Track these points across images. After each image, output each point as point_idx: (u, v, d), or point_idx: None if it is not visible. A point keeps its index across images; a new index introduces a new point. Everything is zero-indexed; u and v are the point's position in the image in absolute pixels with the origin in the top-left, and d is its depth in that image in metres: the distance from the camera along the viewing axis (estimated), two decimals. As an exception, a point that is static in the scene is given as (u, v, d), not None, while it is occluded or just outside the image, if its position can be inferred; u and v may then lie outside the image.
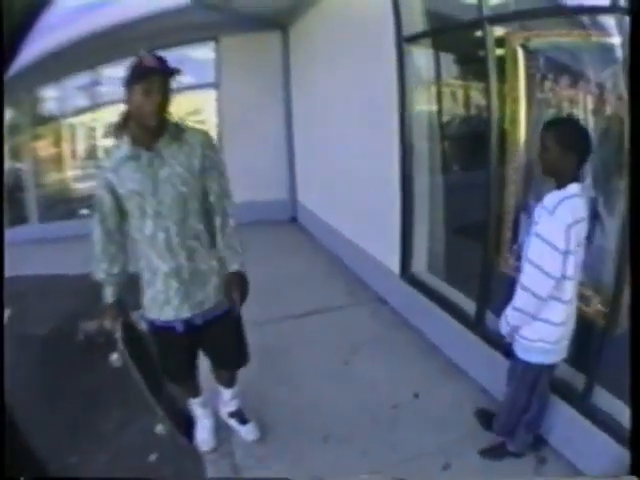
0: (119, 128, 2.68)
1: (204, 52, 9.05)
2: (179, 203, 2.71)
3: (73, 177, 10.15)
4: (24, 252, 7.70)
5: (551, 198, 2.56)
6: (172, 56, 7.73)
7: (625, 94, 2.70)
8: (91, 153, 10.09)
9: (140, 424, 3.57)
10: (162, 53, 7.38)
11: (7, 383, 1.52)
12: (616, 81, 2.83)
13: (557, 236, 2.48)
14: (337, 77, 6.38)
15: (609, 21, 2.73)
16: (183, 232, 2.75)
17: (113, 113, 9.47)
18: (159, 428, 3.08)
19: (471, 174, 5.32)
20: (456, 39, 4.93)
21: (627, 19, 2.47)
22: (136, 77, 2.48)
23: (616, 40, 2.66)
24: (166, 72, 2.55)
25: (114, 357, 2.86)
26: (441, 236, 5.15)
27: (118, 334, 2.86)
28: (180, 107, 9.45)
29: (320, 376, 4.24)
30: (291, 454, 3.39)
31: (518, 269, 2.97)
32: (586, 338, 3.13)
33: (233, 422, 3.60)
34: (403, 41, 4.65)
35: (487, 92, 3.73)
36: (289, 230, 8.79)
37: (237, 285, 2.79)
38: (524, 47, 3.45)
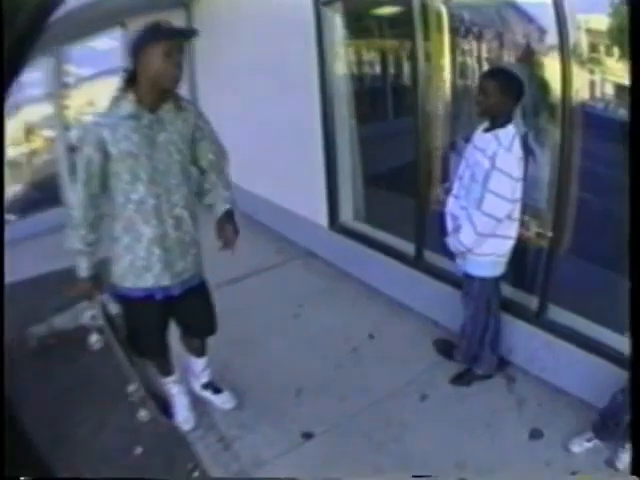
0: (124, 87, 2.67)
1: (105, 41, 8.90)
2: (172, 170, 2.76)
3: None
4: None
5: (505, 137, 3.05)
6: (73, 51, 7.61)
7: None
8: (10, 159, 9.87)
9: (116, 421, 3.55)
10: (70, 47, 7.26)
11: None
12: (542, 33, 3.32)
13: (514, 167, 3.03)
14: (247, 45, 6.51)
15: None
16: (173, 199, 2.79)
17: (29, 116, 9.34)
18: (142, 414, 3.10)
19: (387, 126, 5.73)
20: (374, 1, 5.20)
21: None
22: (155, 38, 2.53)
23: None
24: (186, 33, 2.69)
25: (94, 338, 2.93)
26: (362, 185, 5.53)
27: (96, 312, 2.90)
28: (79, 100, 9.36)
29: (274, 333, 4.43)
30: (271, 414, 3.54)
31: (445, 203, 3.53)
32: (531, 260, 3.65)
33: (208, 393, 3.67)
34: (320, 4, 4.93)
35: (413, 48, 4.07)
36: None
37: (231, 223, 2.91)
38: (447, 5, 3.84)
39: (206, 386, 3.67)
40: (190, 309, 3.14)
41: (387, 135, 5.51)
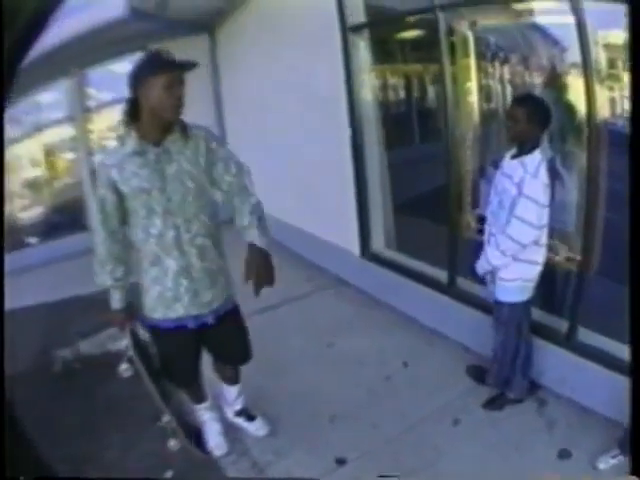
0: (126, 123, 2.69)
1: (126, 65, 9.10)
2: (188, 200, 2.75)
3: (17, 207, 10.01)
4: None
5: (531, 164, 3.14)
6: (96, 74, 7.78)
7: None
8: (29, 181, 10.01)
9: (145, 446, 3.59)
10: (90, 70, 7.43)
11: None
12: (565, 55, 3.41)
13: (540, 193, 3.12)
14: (273, 71, 6.65)
15: (559, 4, 3.25)
16: (193, 229, 2.79)
17: (49, 138, 9.51)
18: (172, 444, 3.12)
19: (418, 150, 5.81)
20: (401, 27, 5.36)
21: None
22: (155, 70, 2.53)
23: (567, 20, 3.17)
24: (186, 66, 2.62)
25: (123, 367, 2.96)
26: (394, 212, 5.60)
27: (127, 342, 2.94)
28: (101, 124, 9.53)
29: (308, 361, 4.46)
30: (305, 440, 3.56)
31: (480, 231, 3.65)
32: (561, 283, 3.70)
33: (241, 420, 3.68)
34: (348, 30, 5.05)
35: (441, 73, 4.16)
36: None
37: (260, 266, 2.67)
38: (473, 31, 3.95)
39: (239, 413, 3.68)
40: (223, 336, 3.13)
41: (414, 160, 5.60)
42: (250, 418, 3.69)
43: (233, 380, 3.55)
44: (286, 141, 6.67)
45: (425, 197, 5.11)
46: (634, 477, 1.76)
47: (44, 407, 4.27)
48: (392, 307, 5.20)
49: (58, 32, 7.39)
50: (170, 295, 2.87)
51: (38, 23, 1.33)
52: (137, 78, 2.59)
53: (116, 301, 2.93)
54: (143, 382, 2.97)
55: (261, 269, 2.67)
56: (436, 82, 4.33)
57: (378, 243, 5.61)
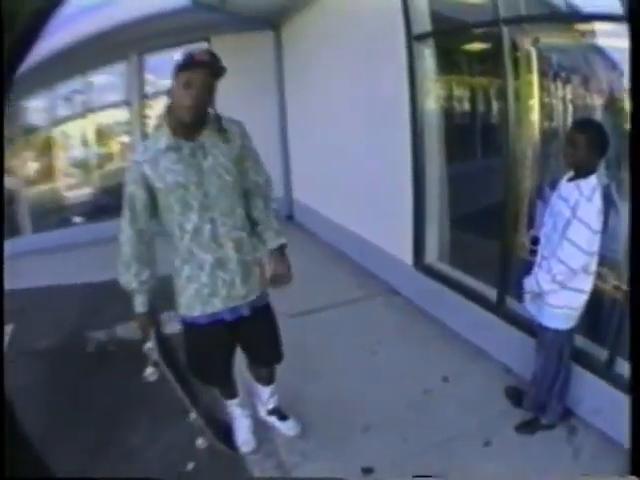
0: (162, 118, 2.77)
1: None
2: (225, 193, 2.81)
3: (63, 186, 10.29)
4: (19, 264, 7.82)
5: (586, 187, 3.13)
6: (159, 59, 8.01)
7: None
8: (81, 161, 10.27)
9: (171, 436, 3.72)
10: (151, 56, 7.68)
11: (18, 398, 1.53)
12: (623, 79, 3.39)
13: (594, 219, 3.10)
14: (339, 75, 6.74)
15: (619, 27, 3.22)
16: (229, 222, 2.85)
17: (101, 119, 9.73)
18: (200, 442, 3.25)
19: (478, 165, 5.79)
20: (466, 39, 5.38)
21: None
22: (180, 68, 2.58)
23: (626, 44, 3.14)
24: (210, 67, 2.60)
25: (149, 371, 3.03)
26: (449, 225, 5.59)
27: (152, 345, 3.02)
28: (158, 110, 9.72)
29: (349, 367, 4.51)
30: (334, 446, 3.59)
31: (534, 252, 3.61)
32: (605, 312, 3.66)
33: (273, 419, 3.73)
34: (413, 39, 5.09)
35: (503, 88, 4.17)
36: (287, 228, 8.93)
37: (285, 259, 3.07)
38: (535, 47, 3.95)
39: (272, 412, 3.72)
40: (256, 332, 3.19)
41: (475, 174, 5.59)
42: (282, 417, 3.73)
43: (267, 380, 3.60)
44: (348, 146, 6.75)
45: (483, 212, 5.09)
46: (634, 477, 1.77)
47: (72, 385, 4.57)
48: (439, 320, 5.22)
49: (115, 14, 7.56)
50: (207, 291, 2.92)
51: (38, 23, 1.36)
52: (172, 73, 2.65)
53: (139, 305, 3.00)
54: (170, 384, 3.11)
55: (278, 269, 3.04)
56: (499, 97, 4.30)
57: (432, 255, 5.61)
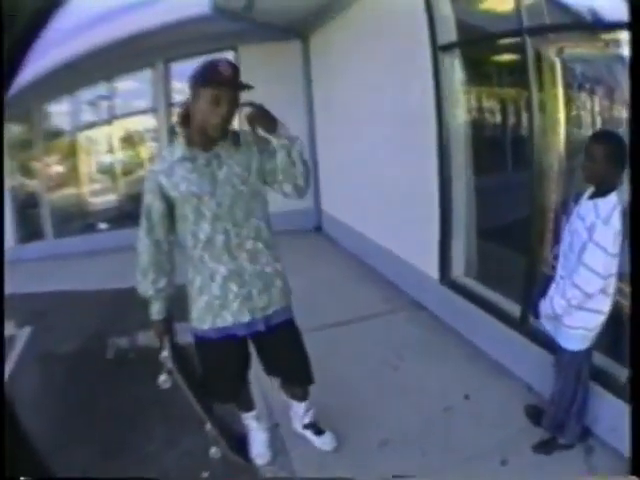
0: (178, 127, 2.77)
1: None
2: (239, 203, 2.79)
3: (88, 191, 10.45)
4: (40, 268, 7.97)
5: (604, 208, 3.03)
6: (185, 67, 8.09)
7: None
8: (106, 167, 10.37)
9: (186, 444, 3.74)
10: (179, 63, 7.76)
11: (30, 397, 1.63)
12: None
13: (610, 242, 3.00)
14: (366, 86, 6.74)
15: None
16: (243, 233, 2.82)
17: (127, 126, 9.83)
18: (213, 451, 3.22)
19: (504, 178, 5.74)
20: (491, 49, 5.33)
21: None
22: (207, 82, 2.55)
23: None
24: (238, 85, 2.62)
25: (162, 378, 3.01)
26: (476, 240, 5.54)
27: (167, 353, 2.99)
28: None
29: (370, 381, 4.49)
30: (350, 460, 3.58)
31: (555, 268, 3.52)
32: (627, 330, 3.57)
33: (308, 433, 3.70)
34: (438, 49, 5.07)
35: (528, 99, 4.13)
36: (315, 239, 9.12)
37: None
38: (560, 58, 3.89)
39: (308, 426, 3.71)
40: (278, 349, 3.12)
41: (504, 187, 5.52)
42: (318, 432, 3.71)
43: (300, 397, 3.57)
44: (375, 157, 6.73)
45: (510, 226, 5.03)
46: (634, 477, 1.78)
47: (88, 391, 4.61)
48: (464, 337, 5.16)
49: (138, 21, 7.61)
50: (218, 303, 2.89)
51: (38, 23, 1.36)
52: (191, 84, 2.63)
53: (156, 312, 3.00)
54: (183, 394, 3.08)
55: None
56: (525, 108, 4.25)
57: (458, 270, 5.55)
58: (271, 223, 2.99)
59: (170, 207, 2.80)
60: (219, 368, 3.10)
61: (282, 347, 3.13)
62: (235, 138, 2.81)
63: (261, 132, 2.80)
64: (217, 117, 2.59)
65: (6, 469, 1.34)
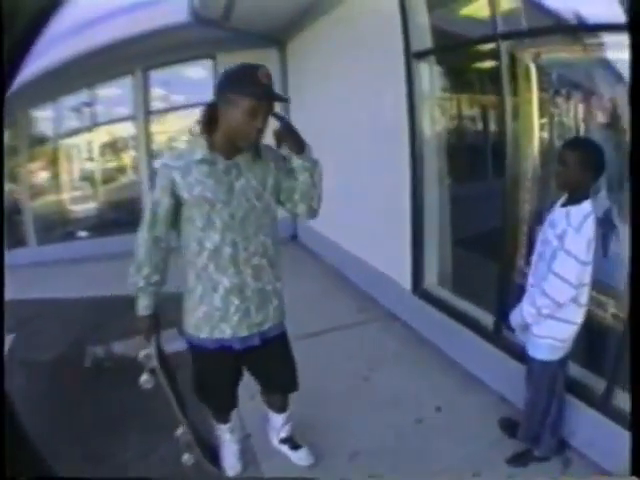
0: (200, 129, 2.67)
1: (197, 70, 9.33)
2: (251, 217, 2.71)
3: (70, 199, 10.34)
4: (23, 275, 7.86)
5: (576, 216, 2.93)
6: (165, 75, 8.08)
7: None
8: (87, 174, 10.31)
9: (163, 453, 3.64)
10: (157, 71, 7.72)
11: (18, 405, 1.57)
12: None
13: (582, 250, 2.90)
14: (342, 94, 6.67)
15: (624, 38, 3.05)
16: (251, 248, 2.75)
17: (109, 132, 9.81)
18: (186, 458, 3.13)
19: (477, 187, 5.68)
20: (466, 55, 5.26)
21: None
22: (244, 90, 2.45)
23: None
24: (277, 99, 2.59)
25: (144, 378, 2.89)
26: (449, 250, 5.46)
27: (152, 351, 2.88)
28: (171, 126, 9.74)
29: (341, 393, 4.39)
30: (321, 472, 3.50)
31: (526, 275, 3.44)
32: (604, 342, 3.48)
33: (285, 448, 3.62)
34: (413, 56, 4.98)
35: (501, 106, 4.05)
36: (291, 248, 8.91)
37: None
38: (536, 63, 3.80)
39: (284, 441, 3.62)
40: (269, 361, 3.09)
41: (479, 196, 5.46)
42: (294, 447, 3.62)
43: (280, 408, 3.50)
44: (349, 167, 6.61)
45: (484, 236, 4.96)
46: (634, 477, 1.72)
47: (66, 399, 4.54)
48: (437, 348, 5.07)
49: (118, 28, 7.58)
50: (218, 315, 2.81)
51: (38, 24, 1.32)
52: (223, 88, 2.54)
53: (144, 307, 2.87)
54: (165, 394, 2.98)
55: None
56: (499, 116, 4.17)
57: (431, 280, 5.47)
58: (278, 241, 2.95)
59: (177, 206, 2.70)
60: (213, 378, 3.06)
61: (272, 359, 3.10)
62: (257, 151, 2.73)
63: (285, 150, 2.77)
64: (252, 129, 2.52)
65: (6, 469, 1.33)
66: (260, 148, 2.73)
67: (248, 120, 2.48)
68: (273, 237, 2.88)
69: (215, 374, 3.04)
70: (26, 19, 1.27)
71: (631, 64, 1.71)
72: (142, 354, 2.88)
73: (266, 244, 2.82)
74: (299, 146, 2.70)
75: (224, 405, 3.31)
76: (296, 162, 2.74)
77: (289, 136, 2.69)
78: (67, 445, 3.79)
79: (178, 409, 3.05)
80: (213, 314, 2.80)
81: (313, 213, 2.93)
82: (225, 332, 2.83)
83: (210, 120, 2.62)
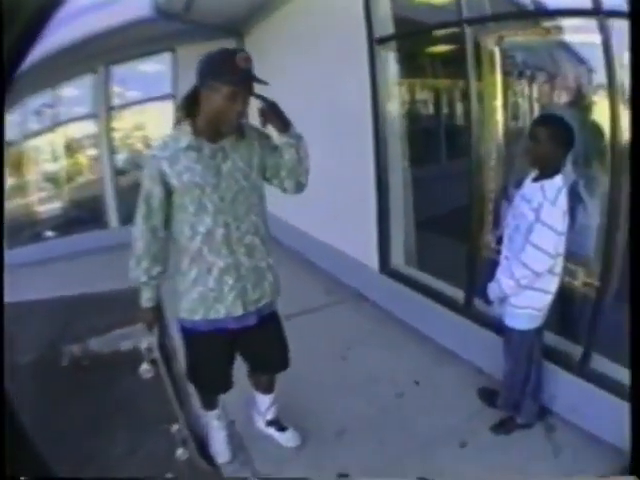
0: (182, 115, 2.68)
1: (153, 65, 9.25)
2: (241, 198, 2.74)
3: (36, 200, 10.18)
4: None
5: (551, 189, 3.05)
6: (121, 71, 7.99)
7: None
8: (51, 175, 10.16)
9: (150, 448, 3.54)
10: (118, 67, 7.62)
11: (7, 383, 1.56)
12: (592, 75, 3.34)
13: (558, 221, 3.03)
14: (302, 82, 6.66)
15: (589, 22, 3.17)
16: (243, 227, 2.77)
17: (71, 133, 9.67)
18: (180, 452, 3.08)
19: (443, 168, 5.77)
20: (429, 40, 5.34)
21: (609, 20, 2.94)
22: (223, 76, 2.49)
23: (596, 39, 3.10)
24: (255, 81, 2.57)
25: (145, 368, 2.89)
26: (415, 229, 5.56)
27: (154, 342, 2.89)
28: (126, 122, 9.63)
29: (320, 374, 4.41)
30: (309, 453, 3.53)
31: (498, 252, 3.56)
32: (577, 309, 3.62)
33: (272, 430, 3.62)
34: (375, 42, 5.04)
35: (466, 89, 4.15)
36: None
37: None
38: (499, 46, 3.91)
39: (271, 423, 3.63)
40: (262, 341, 3.10)
41: (441, 177, 5.57)
42: (281, 429, 3.63)
43: (267, 389, 3.51)
44: (310, 153, 6.58)
45: (449, 214, 5.06)
46: (634, 477, 1.78)
47: (47, 400, 4.27)
48: (409, 325, 5.14)
49: (82, 27, 7.49)
50: (212, 295, 2.82)
51: (38, 23, 1.33)
52: (203, 75, 2.57)
53: (147, 299, 2.89)
54: (163, 385, 2.97)
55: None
56: (463, 98, 4.27)
57: (398, 259, 5.55)
58: (267, 218, 2.97)
59: (169, 195, 2.71)
60: (207, 361, 3.05)
61: (265, 338, 3.11)
62: (240, 131, 2.76)
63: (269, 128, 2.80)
64: (233, 113, 2.57)
65: (6, 469, 1.34)
66: (244, 128, 2.77)
67: (228, 105, 2.53)
68: (263, 215, 2.91)
69: (210, 356, 3.03)
70: (26, 18, 1.29)
71: (631, 64, 1.74)
72: (146, 344, 2.92)
73: (257, 223, 2.85)
74: (283, 124, 2.74)
75: (219, 386, 3.27)
76: (281, 140, 2.78)
77: (273, 115, 2.73)
78: (54, 445, 3.75)
79: (176, 402, 3.04)
80: (207, 295, 2.82)
81: (301, 188, 2.97)
82: (220, 312, 2.84)
83: (192, 105, 2.65)
